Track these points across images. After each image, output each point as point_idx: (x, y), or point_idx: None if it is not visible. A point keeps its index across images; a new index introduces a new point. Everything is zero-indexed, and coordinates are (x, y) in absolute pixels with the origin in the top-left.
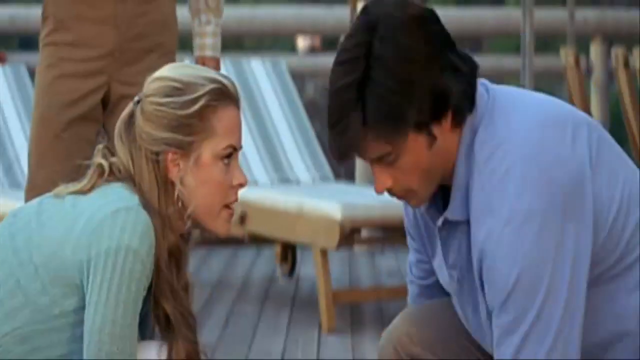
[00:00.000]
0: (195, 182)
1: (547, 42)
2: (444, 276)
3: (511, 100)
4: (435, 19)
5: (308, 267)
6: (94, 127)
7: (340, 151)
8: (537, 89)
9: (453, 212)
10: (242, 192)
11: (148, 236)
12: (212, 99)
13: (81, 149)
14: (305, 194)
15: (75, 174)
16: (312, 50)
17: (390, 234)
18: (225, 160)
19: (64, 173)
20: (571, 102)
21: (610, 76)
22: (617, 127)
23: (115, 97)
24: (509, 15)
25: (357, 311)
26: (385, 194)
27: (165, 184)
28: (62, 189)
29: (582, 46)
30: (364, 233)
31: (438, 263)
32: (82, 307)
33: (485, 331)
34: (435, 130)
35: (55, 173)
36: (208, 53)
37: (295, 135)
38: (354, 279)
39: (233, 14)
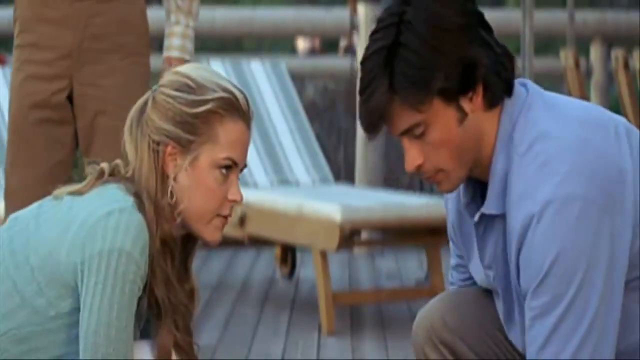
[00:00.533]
0: (188, 182)
1: (547, 43)
2: (481, 279)
3: (552, 98)
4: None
5: (308, 269)
6: (66, 128)
7: (368, 120)
8: None
9: (490, 205)
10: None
11: (141, 237)
12: (219, 107)
13: (53, 151)
14: (305, 195)
15: (49, 176)
16: (312, 51)
17: (390, 236)
18: (223, 171)
19: (35, 176)
20: None
21: (610, 78)
22: None
23: (78, 98)
24: (509, 16)
25: (357, 313)
26: (385, 197)
27: (162, 175)
28: (61, 190)
29: (582, 48)
30: (364, 235)
31: (474, 265)
32: (77, 309)
33: (518, 335)
34: (465, 104)
35: (27, 177)
36: (174, 54)
37: (295, 136)
38: (353, 281)
39: (233, 16)
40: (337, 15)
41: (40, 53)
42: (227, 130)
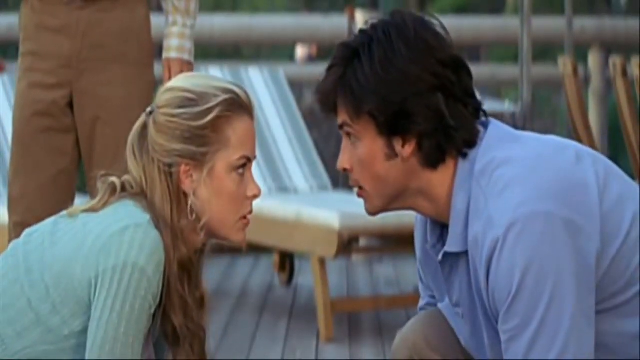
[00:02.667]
0: (209, 194)
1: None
2: (455, 320)
3: (511, 132)
4: (452, 64)
5: (306, 276)
6: (67, 137)
7: (318, 96)
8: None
9: (452, 243)
10: None
11: (156, 254)
12: (225, 110)
13: (55, 159)
14: (303, 202)
15: (52, 184)
16: (310, 58)
17: (388, 243)
18: (240, 171)
19: (38, 185)
20: (569, 111)
21: (608, 85)
22: (615, 136)
23: (78, 107)
24: (507, 24)
25: (355, 320)
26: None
27: (178, 196)
28: (75, 208)
29: (580, 55)
30: (362, 242)
31: (445, 306)
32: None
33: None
34: (397, 146)
35: (29, 185)
36: (172, 55)
37: (293, 144)
38: (352, 288)
39: (231, 23)
40: (335, 23)
41: (41, 61)
42: (236, 129)
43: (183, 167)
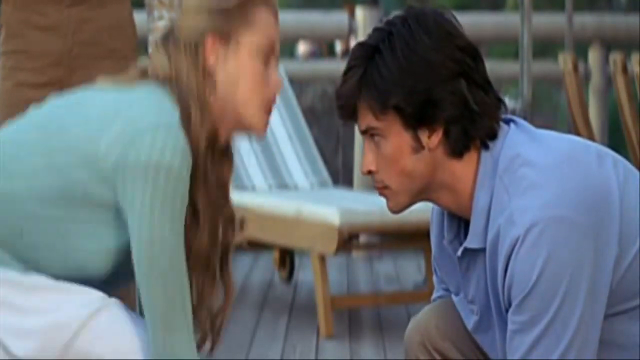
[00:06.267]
0: (235, 72)
1: (545, 47)
2: (465, 313)
3: (535, 131)
4: (470, 50)
5: (306, 273)
6: None
7: (338, 104)
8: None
9: (472, 239)
10: (239, 197)
11: (186, 157)
12: None
13: None
14: (303, 199)
15: None
16: (313, 54)
17: (388, 239)
18: (264, 58)
19: None
20: (569, 107)
21: (608, 82)
22: (615, 132)
23: None
24: (507, 20)
25: (355, 317)
26: (383, 200)
27: (204, 72)
28: (106, 80)
29: (581, 51)
30: (362, 239)
31: (459, 301)
32: (104, 206)
33: (499, 352)
34: (423, 137)
35: None
36: None
37: (293, 140)
38: (352, 284)
39: None
40: (336, 19)
41: (30, 60)
42: (262, 17)
43: (209, 42)
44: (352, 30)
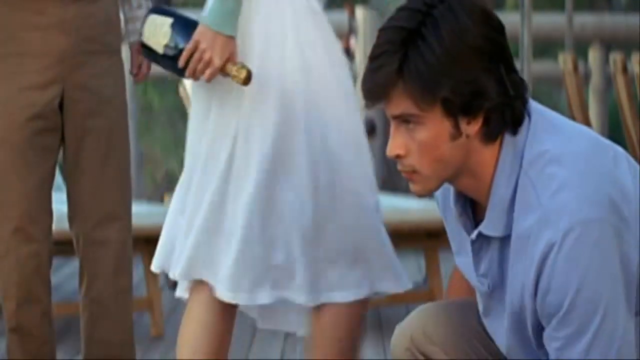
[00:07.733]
0: None
1: (545, 47)
2: (472, 278)
3: (554, 119)
4: (502, 30)
5: None
6: (55, 135)
7: (369, 89)
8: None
9: (489, 227)
10: None
11: None
12: None
13: (46, 159)
14: None
15: (41, 185)
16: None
17: (389, 238)
18: None
19: (32, 186)
20: (569, 107)
21: (608, 81)
22: (615, 132)
23: (69, 102)
24: (508, 20)
25: None
26: (383, 200)
27: None
28: None
29: (581, 51)
30: None
31: (464, 263)
32: None
33: (504, 338)
34: (463, 125)
35: (22, 191)
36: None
37: None
38: None
39: None
40: (336, 18)
41: (32, 61)
42: None
43: None
44: (352, 29)
